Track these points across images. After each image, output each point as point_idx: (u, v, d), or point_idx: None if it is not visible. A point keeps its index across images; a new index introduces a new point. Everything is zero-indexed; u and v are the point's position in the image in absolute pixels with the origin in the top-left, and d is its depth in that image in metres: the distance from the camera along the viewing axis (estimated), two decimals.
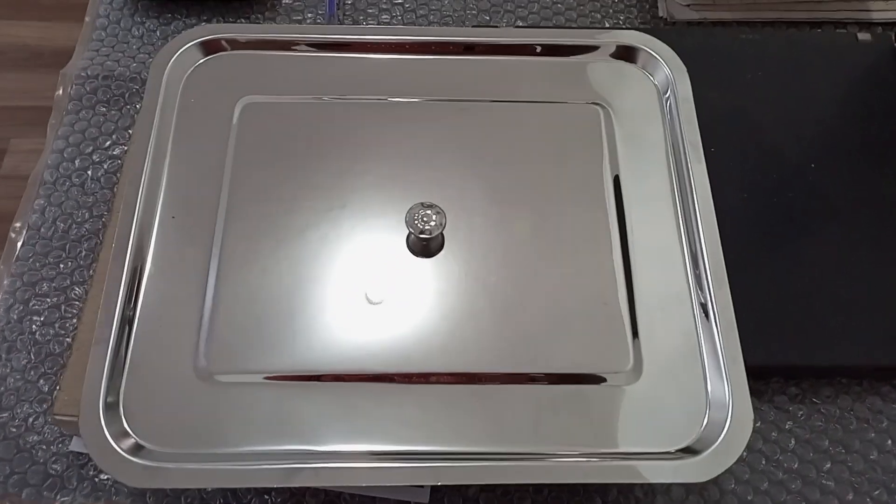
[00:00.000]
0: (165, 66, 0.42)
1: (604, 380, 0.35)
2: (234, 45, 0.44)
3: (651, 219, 0.40)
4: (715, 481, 0.36)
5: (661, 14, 0.53)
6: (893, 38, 0.50)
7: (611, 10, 0.53)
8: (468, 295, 0.37)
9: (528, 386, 0.35)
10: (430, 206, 0.37)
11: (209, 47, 0.44)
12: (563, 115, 0.43)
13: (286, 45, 0.44)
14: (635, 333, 0.36)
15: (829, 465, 0.39)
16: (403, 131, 0.42)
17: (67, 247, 0.44)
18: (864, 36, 0.50)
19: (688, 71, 0.43)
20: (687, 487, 0.39)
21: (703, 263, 0.38)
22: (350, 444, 0.33)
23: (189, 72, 0.43)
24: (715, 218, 0.39)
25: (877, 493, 0.39)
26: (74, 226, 0.45)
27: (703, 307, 0.37)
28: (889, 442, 0.40)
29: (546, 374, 0.35)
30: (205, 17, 0.52)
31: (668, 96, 0.43)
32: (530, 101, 0.43)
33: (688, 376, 0.35)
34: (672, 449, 0.33)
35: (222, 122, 0.41)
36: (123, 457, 0.32)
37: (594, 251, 0.39)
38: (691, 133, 0.41)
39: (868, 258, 0.43)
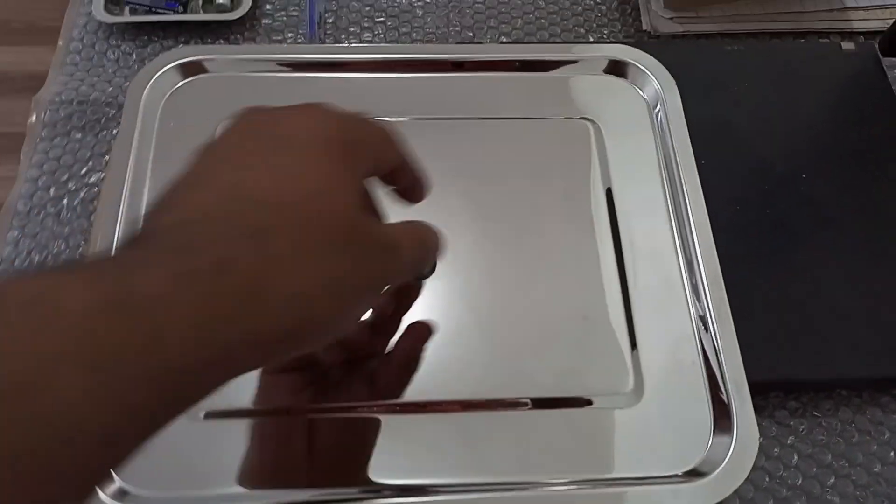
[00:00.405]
0: (143, 89, 0.41)
1: (604, 402, 0.34)
2: (214, 66, 0.43)
3: (645, 235, 0.39)
4: (720, 501, 0.35)
5: (644, 27, 0.52)
6: (877, 46, 0.50)
7: (594, 25, 0.53)
8: (462, 320, 0.36)
9: (525, 412, 0.34)
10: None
11: (188, 69, 0.42)
12: (553, 131, 0.42)
13: (268, 66, 0.43)
14: (634, 353, 0.36)
15: (833, 480, 0.39)
16: None
17: None
18: (847, 45, 0.50)
19: (675, 83, 0.43)
20: None
21: (701, 279, 0.37)
22: (340, 480, 0.32)
23: (168, 95, 0.42)
24: (710, 232, 0.38)
25: None
26: (50, 258, 0.43)
27: (703, 322, 0.36)
28: (892, 454, 0.40)
29: (544, 399, 0.34)
30: (182, 39, 0.51)
31: (658, 110, 0.42)
32: (519, 118, 0.42)
33: (690, 394, 0.35)
34: (679, 472, 0.32)
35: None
36: (107, 503, 0.30)
37: (590, 271, 0.38)
38: (683, 147, 0.41)
39: (863, 267, 0.42)
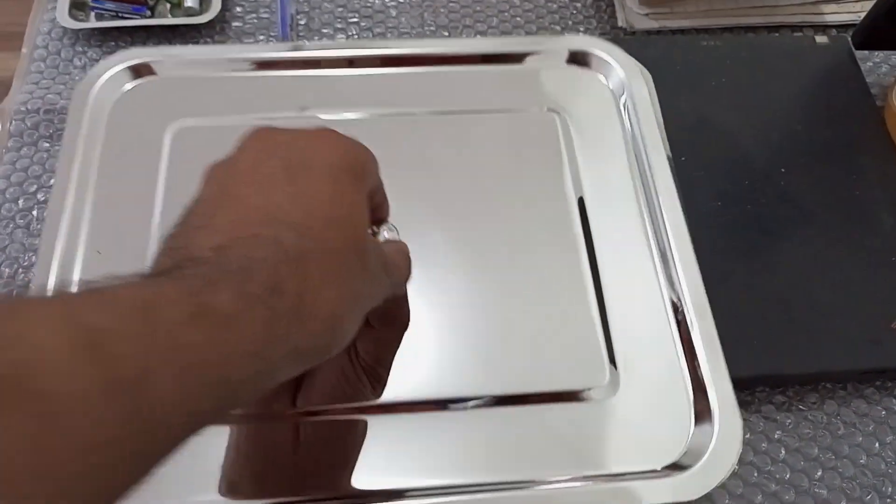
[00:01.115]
0: (89, 92, 0.40)
1: (581, 397, 0.34)
2: (163, 69, 0.42)
3: (616, 224, 0.38)
4: (708, 496, 0.35)
5: (620, 24, 0.52)
6: (849, 39, 0.50)
7: (570, 22, 0.53)
8: (433, 317, 0.35)
9: (502, 409, 0.33)
10: (381, 223, 0.35)
11: (138, 71, 0.41)
12: (519, 123, 0.41)
13: (223, 66, 0.42)
14: (610, 346, 0.35)
15: (820, 473, 0.38)
16: None
17: (14, 293, 0.41)
18: (821, 39, 0.50)
19: (653, 80, 0.43)
20: None
21: (675, 268, 0.36)
22: (314, 486, 0.31)
23: (117, 98, 0.40)
24: (683, 219, 0.38)
25: (868, 497, 0.38)
26: (21, 270, 0.42)
27: (679, 312, 0.35)
28: (876, 445, 0.39)
29: (521, 395, 0.33)
30: (150, 45, 0.50)
31: (625, 100, 0.42)
32: (485, 111, 0.42)
33: (668, 387, 0.34)
34: (660, 466, 0.32)
35: (153, 149, 0.39)
36: None
37: (561, 264, 0.37)
38: (651, 135, 0.40)
39: (842, 259, 0.42)
